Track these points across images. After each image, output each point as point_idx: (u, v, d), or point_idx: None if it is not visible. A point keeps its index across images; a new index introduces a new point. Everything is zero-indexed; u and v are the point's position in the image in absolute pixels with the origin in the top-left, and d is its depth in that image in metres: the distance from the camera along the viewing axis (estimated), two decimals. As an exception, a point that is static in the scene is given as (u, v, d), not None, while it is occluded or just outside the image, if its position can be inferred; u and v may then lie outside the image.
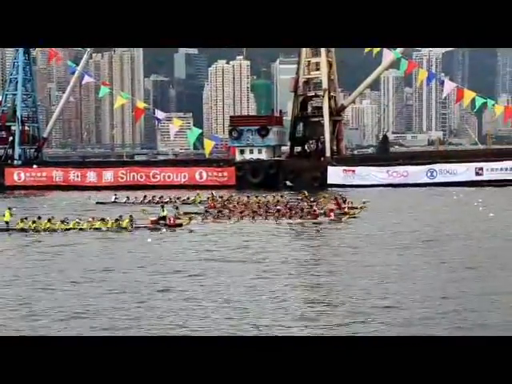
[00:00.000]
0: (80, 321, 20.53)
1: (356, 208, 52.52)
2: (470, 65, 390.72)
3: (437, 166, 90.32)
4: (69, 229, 43.52)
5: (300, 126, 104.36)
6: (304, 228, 45.11)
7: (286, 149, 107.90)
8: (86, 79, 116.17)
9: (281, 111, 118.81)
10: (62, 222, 44.34)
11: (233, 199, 57.74)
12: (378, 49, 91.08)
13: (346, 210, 51.33)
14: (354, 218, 49.35)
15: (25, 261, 33.64)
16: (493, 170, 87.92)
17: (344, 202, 53.52)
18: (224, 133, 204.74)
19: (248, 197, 58.01)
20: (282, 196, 57.88)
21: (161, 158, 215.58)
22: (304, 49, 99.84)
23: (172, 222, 45.17)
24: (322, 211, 49.24)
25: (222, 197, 61.59)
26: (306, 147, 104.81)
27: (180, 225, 45.03)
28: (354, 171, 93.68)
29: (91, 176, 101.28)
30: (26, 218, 44.64)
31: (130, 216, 45.12)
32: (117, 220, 44.34)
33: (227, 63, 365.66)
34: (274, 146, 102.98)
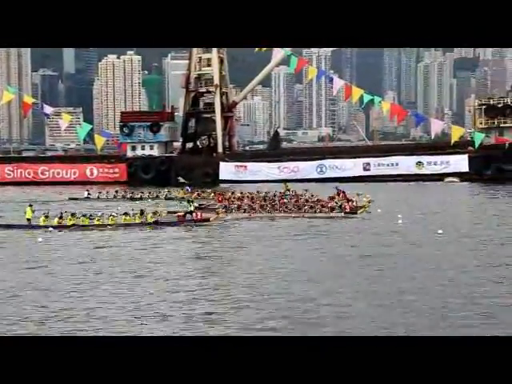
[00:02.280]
0: None
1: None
2: (358, 63, 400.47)
3: (326, 162, 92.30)
4: (93, 225, 42.79)
5: (192, 122, 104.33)
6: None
7: (178, 145, 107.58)
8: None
9: (172, 107, 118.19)
10: (84, 215, 43.99)
11: (228, 193, 57.26)
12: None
13: (355, 203, 50.60)
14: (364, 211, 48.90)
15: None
16: (379, 165, 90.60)
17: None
18: (115, 128, 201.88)
19: (241, 192, 56.84)
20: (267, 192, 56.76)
21: (50, 153, 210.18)
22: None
23: (200, 216, 44.50)
24: (337, 205, 48.69)
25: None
26: (197, 143, 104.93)
27: (207, 219, 44.27)
28: (245, 167, 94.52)
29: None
30: (47, 215, 43.67)
31: (154, 212, 45.12)
32: (142, 214, 44.00)
33: (118, 58, 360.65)
34: (166, 142, 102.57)
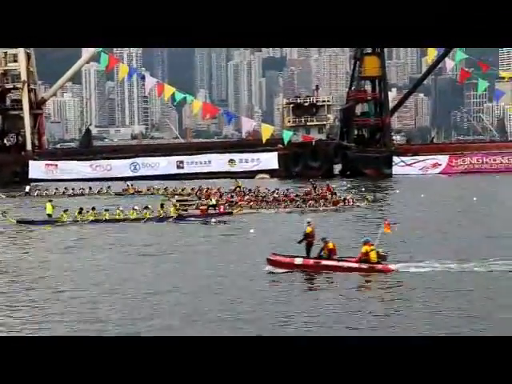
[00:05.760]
0: None
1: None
2: (170, 60, 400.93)
3: (139, 160, 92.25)
4: (114, 219, 42.20)
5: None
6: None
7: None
8: None
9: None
10: (106, 210, 43.28)
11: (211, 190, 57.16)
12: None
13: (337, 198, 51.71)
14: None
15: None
16: (193, 163, 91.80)
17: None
18: None
19: (239, 188, 57.57)
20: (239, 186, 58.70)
21: None
22: None
23: (222, 210, 45.09)
24: (341, 198, 50.26)
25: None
26: (5, 141, 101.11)
27: (230, 213, 44.73)
28: (56, 165, 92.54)
29: None
30: (66, 210, 43.24)
31: (174, 205, 45.45)
32: (162, 207, 43.77)
33: None
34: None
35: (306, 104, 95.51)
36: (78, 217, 42.54)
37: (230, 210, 45.70)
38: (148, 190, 67.21)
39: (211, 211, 44.96)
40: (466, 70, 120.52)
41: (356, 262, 24.99)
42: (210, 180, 74.33)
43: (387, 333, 16.74)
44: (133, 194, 66.32)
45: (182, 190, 61.98)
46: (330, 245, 25.51)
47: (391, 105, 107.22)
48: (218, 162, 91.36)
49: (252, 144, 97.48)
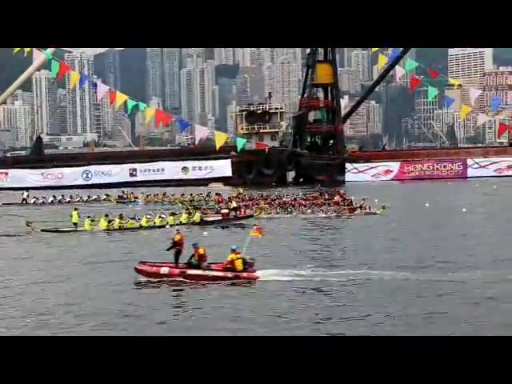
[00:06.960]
0: None
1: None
2: (122, 67, 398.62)
3: (92, 168, 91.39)
4: (140, 226, 42.24)
5: None
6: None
7: None
8: None
9: None
10: (133, 218, 43.26)
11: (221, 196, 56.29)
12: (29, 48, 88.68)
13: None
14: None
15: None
16: (146, 170, 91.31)
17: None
18: None
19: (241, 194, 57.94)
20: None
21: None
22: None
23: (243, 213, 46.29)
24: (358, 205, 50.30)
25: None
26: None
27: (251, 216, 45.67)
28: (6, 174, 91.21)
29: None
30: (93, 219, 42.84)
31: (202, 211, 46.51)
32: (189, 213, 44.65)
33: None
34: None
35: (259, 111, 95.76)
36: (103, 225, 42.01)
37: (251, 213, 46.76)
38: (147, 196, 66.16)
39: (232, 214, 45.88)
40: (417, 77, 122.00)
41: (221, 269, 25.14)
42: (163, 188, 73.95)
43: (385, 333, 16.76)
44: (134, 201, 65.50)
45: (182, 196, 62.11)
46: (201, 250, 25.77)
47: (343, 112, 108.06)
48: (171, 169, 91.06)
49: (205, 151, 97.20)
